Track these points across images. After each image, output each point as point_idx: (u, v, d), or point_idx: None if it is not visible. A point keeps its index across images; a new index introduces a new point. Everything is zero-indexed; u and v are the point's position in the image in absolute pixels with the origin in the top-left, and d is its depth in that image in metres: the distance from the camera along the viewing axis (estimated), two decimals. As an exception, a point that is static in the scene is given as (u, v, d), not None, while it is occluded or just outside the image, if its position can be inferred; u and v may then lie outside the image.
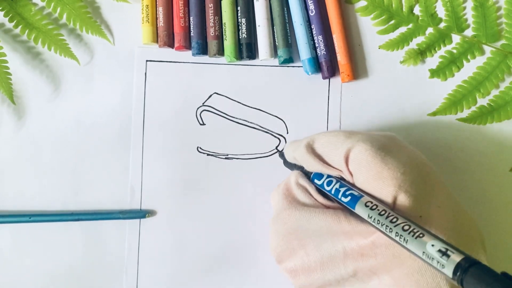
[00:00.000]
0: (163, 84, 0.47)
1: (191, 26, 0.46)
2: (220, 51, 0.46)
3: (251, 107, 0.47)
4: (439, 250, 0.29)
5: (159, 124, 0.46)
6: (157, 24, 0.46)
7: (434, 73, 0.46)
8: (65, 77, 0.47)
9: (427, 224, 0.33)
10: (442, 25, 0.46)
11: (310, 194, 0.38)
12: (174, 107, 0.47)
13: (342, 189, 0.36)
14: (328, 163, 0.37)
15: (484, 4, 0.45)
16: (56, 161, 0.46)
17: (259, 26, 0.46)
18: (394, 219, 0.31)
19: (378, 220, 0.32)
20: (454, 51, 0.46)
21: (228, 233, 0.46)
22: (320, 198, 0.38)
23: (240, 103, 0.47)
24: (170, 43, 0.46)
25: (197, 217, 0.46)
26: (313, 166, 0.38)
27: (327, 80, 0.46)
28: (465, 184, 0.46)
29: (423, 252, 0.29)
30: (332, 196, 0.37)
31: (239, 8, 0.46)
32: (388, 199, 0.34)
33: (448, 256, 0.28)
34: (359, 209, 0.34)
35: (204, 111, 0.47)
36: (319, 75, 0.46)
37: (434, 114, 0.46)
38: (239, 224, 0.46)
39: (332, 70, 0.46)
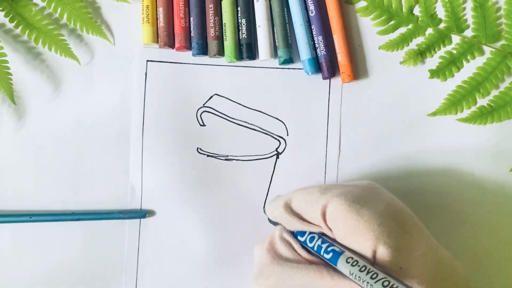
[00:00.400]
0: (164, 84, 0.47)
1: (191, 27, 0.46)
2: (220, 52, 0.46)
3: (252, 109, 0.47)
4: None
5: (159, 125, 0.46)
6: (157, 25, 0.46)
7: (434, 73, 0.46)
8: (66, 77, 0.47)
9: (408, 275, 0.33)
10: (441, 25, 0.46)
11: (294, 249, 0.38)
12: (174, 107, 0.47)
13: (324, 245, 0.36)
14: (307, 220, 0.38)
15: (483, 5, 0.46)
16: (56, 161, 0.46)
17: (259, 26, 0.46)
18: (374, 275, 0.32)
19: (359, 276, 0.32)
20: (454, 51, 0.46)
21: (227, 234, 0.46)
22: (304, 253, 0.38)
23: (240, 104, 0.47)
24: (170, 43, 0.46)
25: (197, 218, 0.46)
26: (293, 225, 0.38)
27: (327, 81, 0.46)
28: (464, 185, 0.46)
29: None
30: (315, 252, 0.37)
31: (239, 8, 0.46)
32: (368, 253, 0.34)
33: None
34: (341, 266, 0.34)
35: (205, 112, 0.47)
36: (319, 76, 0.46)
37: (434, 114, 0.46)
38: (239, 225, 0.46)
39: (332, 70, 0.46)
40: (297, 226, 0.38)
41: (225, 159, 0.47)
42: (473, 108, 0.46)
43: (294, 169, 0.46)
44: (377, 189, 0.39)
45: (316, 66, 0.46)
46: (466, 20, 0.46)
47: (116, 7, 0.47)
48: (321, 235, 0.37)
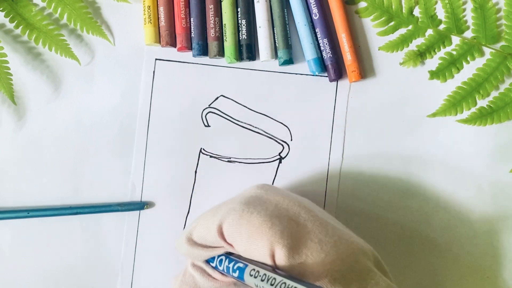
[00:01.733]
0: (171, 83, 0.47)
1: (192, 27, 0.46)
2: (221, 52, 0.46)
3: (257, 112, 0.47)
4: None
5: (164, 123, 0.46)
6: (159, 24, 0.46)
7: (434, 74, 0.46)
8: (66, 78, 0.47)
9: (309, 267, 0.33)
10: (441, 26, 0.46)
11: (209, 275, 0.38)
12: (180, 107, 0.47)
13: (231, 265, 0.36)
14: (210, 246, 0.38)
15: (484, 6, 0.46)
16: (57, 161, 0.46)
17: (260, 27, 0.46)
18: (273, 281, 0.32)
19: (262, 286, 0.33)
20: (454, 52, 0.46)
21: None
22: (218, 276, 0.38)
23: (246, 107, 0.47)
24: (172, 43, 0.46)
25: (196, 215, 0.46)
26: (200, 256, 0.38)
27: (331, 85, 0.46)
28: (465, 186, 0.46)
29: None
30: (226, 274, 0.37)
31: (239, 9, 0.46)
32: (268, 260, 0.34)
33: None
34: (247, 280, 0.34)
35: (210, 113, 0.47)
36: (324, 80, 0.46)
37: (434, 115, 0.46)
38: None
39: (339, 72, 0.46)
40: (204, 255, 0.38)
41: (228, 161, 0.47)
42: (473, 109, 0.46)
43: (296, 175, 0.46)
44: (266, 189, 0.38)
45: (322, 65, 0.46)
46: (466, 21, 0.46)
47: (116, 7, 0.47)
48: (228, 255, 0.37)
